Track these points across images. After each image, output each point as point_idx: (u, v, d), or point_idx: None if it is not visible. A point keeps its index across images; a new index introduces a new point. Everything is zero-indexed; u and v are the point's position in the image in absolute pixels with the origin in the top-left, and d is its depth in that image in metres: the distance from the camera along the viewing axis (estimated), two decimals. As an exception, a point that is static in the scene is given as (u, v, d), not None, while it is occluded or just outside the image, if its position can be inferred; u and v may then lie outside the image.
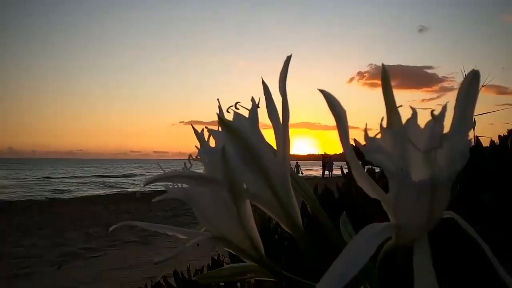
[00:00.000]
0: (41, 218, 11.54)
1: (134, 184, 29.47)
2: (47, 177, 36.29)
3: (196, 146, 0.56)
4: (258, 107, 0.56)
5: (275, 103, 0.57)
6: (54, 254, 7.42)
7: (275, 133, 0.58)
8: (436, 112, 0.45)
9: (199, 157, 0.56)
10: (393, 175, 0.39)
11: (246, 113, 0.57)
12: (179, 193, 0.54)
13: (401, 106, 0.47)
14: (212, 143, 0.57)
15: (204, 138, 0.57)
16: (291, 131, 0.57)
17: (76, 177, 38.85)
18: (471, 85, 0.46)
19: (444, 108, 0.45)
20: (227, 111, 0.56)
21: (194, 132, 0.57)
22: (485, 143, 1.18)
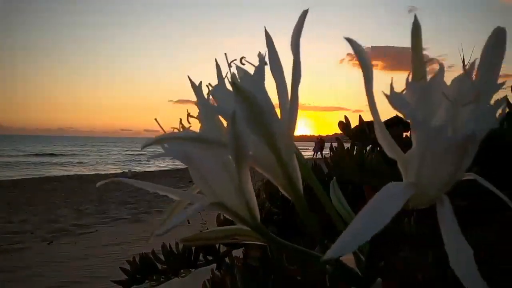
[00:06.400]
0: (32, 195, 11.48)
1: (127, 162, 29.41)
2: (38, 154, 36.05)
3: (194, 103, 0.52)
4: (266, 64, 0.51)
5: (279, 58, 0.52)
6: (45, 230, 7.41)
7: (278, 92, 0.53)
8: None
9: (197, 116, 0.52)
10: (423, 128, 0.35)
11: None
12: (179, 154, 0.51)
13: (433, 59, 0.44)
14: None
15: (204, 96, 0.53)
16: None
17: (68, 153, 38.63)
18: (496, 44, 0.43)
19: (473, 65, 0.42)
20: (229, 65, 0.51)
21: (192, 86, 0.52)
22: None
